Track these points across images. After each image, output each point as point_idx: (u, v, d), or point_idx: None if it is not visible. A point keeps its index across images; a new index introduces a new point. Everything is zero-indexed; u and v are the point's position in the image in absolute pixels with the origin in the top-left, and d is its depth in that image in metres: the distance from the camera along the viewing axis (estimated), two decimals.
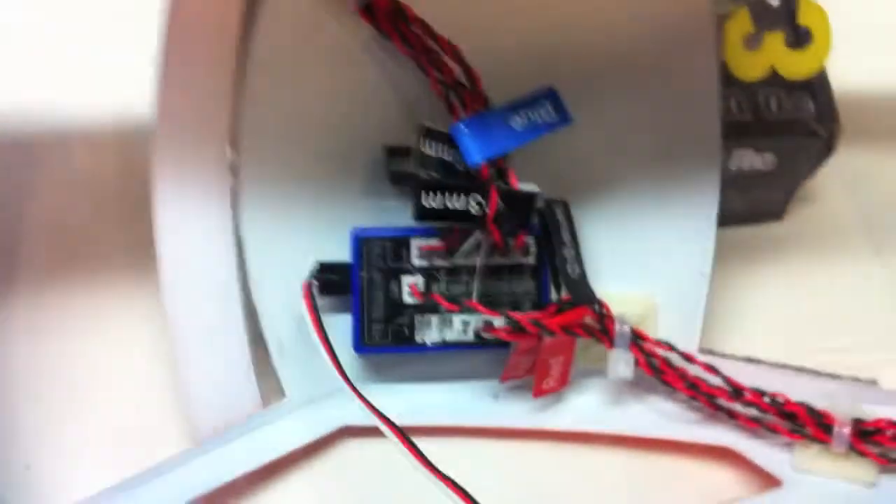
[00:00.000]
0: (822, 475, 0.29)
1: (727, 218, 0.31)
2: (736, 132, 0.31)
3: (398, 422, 0.26)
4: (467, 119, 0.26)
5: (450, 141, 0.26)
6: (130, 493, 0.27)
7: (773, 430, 0.28)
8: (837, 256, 0.34)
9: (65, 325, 0.30)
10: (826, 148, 0.32)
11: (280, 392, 0.29)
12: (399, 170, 0.28)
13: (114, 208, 0.31)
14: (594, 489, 0.29)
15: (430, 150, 0.26)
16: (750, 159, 0.31)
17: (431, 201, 0.26)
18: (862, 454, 0.28)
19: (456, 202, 0.26)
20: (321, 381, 0.28)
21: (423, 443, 0.25)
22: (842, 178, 0.35)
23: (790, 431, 0.28)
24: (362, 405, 0.25)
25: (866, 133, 0.34)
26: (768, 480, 0.29)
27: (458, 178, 0.26)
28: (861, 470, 0.28)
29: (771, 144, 0.31)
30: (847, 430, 0.27)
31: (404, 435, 0.25)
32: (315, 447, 0.29)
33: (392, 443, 0.26)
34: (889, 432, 0.27)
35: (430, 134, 0.26)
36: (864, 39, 0.33)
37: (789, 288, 0.33)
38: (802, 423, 0.28)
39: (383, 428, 0.25)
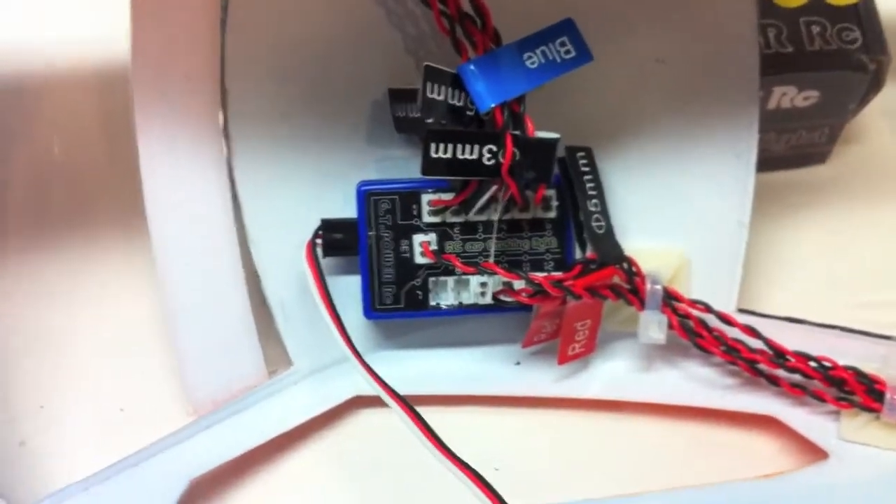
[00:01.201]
0: (872, 446, 0.27)
1: (766, 162, 0.29)
2: (775, 66, 0.28)
3: (412, 391, 0.24)
4: (477, 58, 0.23)
5: (459, 83, 0.24)
6: (128, 472, 0.25)
7: (819, 397, 0.26)
8: (886, 202, 0.31)
9: (53, 290, 0.28)
10: (875, 82, 0.29)
11: (286, 361, 0.27)
12: (404, 115, 0.25)
13: (100, 159, 0.29)
14: (624, 461, 0.26)
15: (437, 94, 0.23)
16: (791, 97, 0.29)
17: (441, 152, 0.23)
18: None
19: (468, 152, 0.24)
20: (330, 347, 0.25)
21: (437, 413, 0.23)
22: (891, 116, 0.32)
23: (837, 399, 0.26)
24: (366, 374, 0.24)
25: None
26: (814, 451, 0.27)
27: (469, 125, 0.24)
28: None
29: (814, 79, 0.29)
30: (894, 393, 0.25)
31: (410, 407, 0.23)
32: (325, 419, 0.27)
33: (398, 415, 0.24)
34: None
35: (435, 76, 0.23)
36: None
37: (834, 237, 0.31)
38: (851, 390, 0.26)
39: (386, 398, 0.23)
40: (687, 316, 0.26)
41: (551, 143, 0.24)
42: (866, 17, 0.29)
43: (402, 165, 0.26)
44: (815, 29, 0.29)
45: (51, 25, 0.31)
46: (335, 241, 0.26)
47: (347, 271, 0.26)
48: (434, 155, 0.23)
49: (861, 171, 0.32)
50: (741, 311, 0.28)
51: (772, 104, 0.29)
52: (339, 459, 0.27)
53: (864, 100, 0.30)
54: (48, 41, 0.31)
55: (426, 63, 0.24)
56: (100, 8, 0.29)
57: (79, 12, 0.31)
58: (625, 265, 0.26)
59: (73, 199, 0.29)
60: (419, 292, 0.26)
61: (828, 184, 0.32)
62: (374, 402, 0.27)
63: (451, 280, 0.26)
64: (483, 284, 0.26)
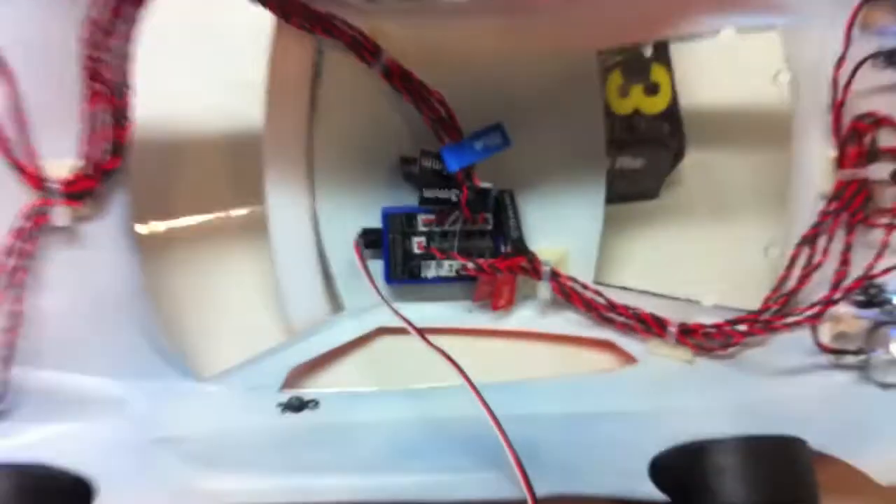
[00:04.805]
0: (661, 356, 0.45)
1: (617, 198, 0.48)
2: (617, 146, 0.48)
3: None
4: (448, 144, 0.44)
5: (439, 157, 0.44)
6: (249, 367, 0.44)
7: (634, 330, 0.44)
8: (692, 225, 0.50)
9: (205, 258, 0.48)
10: (677, 154, 0.49)
11: (341, 307, 0.46)
12: (409, 172, 0.45)
13: (234, 188, 0.49)
14: (529, 364, 0.45)
15: (427, 163, 0.44)
16: (628, 162, 0.48)
17: (429, 193, 0.44)
18: (684, 344, 0.44)
19: (443, 193, 0.44)
20: (365, 300, 0.45)
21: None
22: (697, 169, 0.50)
23: (644, 331, 0.44)
24: (393, 313, 0.43)
25: (711, 139, 0.50)
26: (631, 359, 0.45)
27: (444, 179, 0.44)
28: (683, 353, 0.44)
29: (640, 153, 0.48)
30: (675, 330, 0.44)
31: (418, 330, 0.42)
32: (362, 340, 0.46)
33: (412, 334, 0.42)
34: (700, 331, 0.43)
35: (426, 154, 0.44)
36: (706, 78, 0.50)
37: (658, 245, 0.50)
38: (651, 326, 0.44)
39: (407, 326, 0.42)
40: (564, 285, 0.45)
41: (488, 189, 0.45)
42: (671, 116, 0.48)
43: (408, 199, 0.45)
44: (641, 124, 0.48)
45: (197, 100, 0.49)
46: (370, 240, 0.45)
47: (376, 257, 0.45)
48: (426, 195, 0.44)
49: (678, 204, 0.51)
50: (596, 282, 0.46)
51: (618, 166, 0.48)
52: (368, 361, 0.46)
53: (674, 164, 0.49)
54: (195, 113, 0.49)
55: (421, 148, 0.44)
56: (230, 93, 0.48)
57: (215, 94, 0.49)
58: (529, 256, 0.45)
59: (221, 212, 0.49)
60: (415, 269, 0.45)
61: (657, 212, 0.50)
62: (390, 331, 0.45)
63: (433, 263, 0.45)
64: (450, 266, 0.45)
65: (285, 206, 0.45)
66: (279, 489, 0.41)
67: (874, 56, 0.42)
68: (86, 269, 0.41)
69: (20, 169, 0.39)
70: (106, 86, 0.39)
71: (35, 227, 0.40)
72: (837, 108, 0.43)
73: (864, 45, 0.42)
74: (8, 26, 0.39)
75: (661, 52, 0.48)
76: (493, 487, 0.40)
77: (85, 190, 0.40)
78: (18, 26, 0.39)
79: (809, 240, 0.44)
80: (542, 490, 0.38)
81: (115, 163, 0.40)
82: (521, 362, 0.46)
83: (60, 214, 0.40)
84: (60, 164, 0.40)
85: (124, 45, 0.40)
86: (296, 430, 0.43)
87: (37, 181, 0.39)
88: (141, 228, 0.47)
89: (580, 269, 0.46)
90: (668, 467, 0.41)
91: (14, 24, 0.38)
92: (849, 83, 0.42)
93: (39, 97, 0.39)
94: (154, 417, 0.42)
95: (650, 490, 0.41)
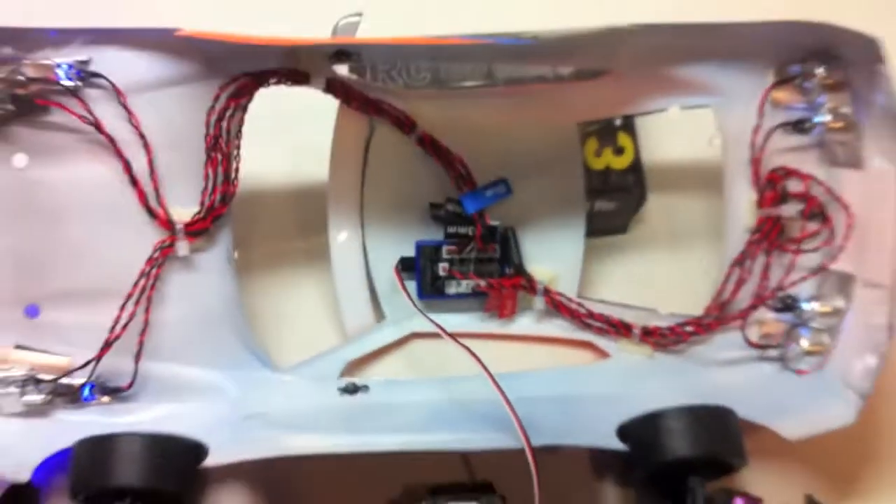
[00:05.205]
0: (628, 352, 0.53)
1: (594, 233, 0.56)
2: (594, 193, 0.56)
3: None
4: (466, 193, 0.53)
5: (459, 202, 0.53)
6: (315, 361, 0.54)
7: (608, 332, 0.53)
8: (653, 252, 0.59)
9: (281, 280, 0.59)
10: (640, 199, 0.58)
11: (384, 316, 0.55)
12: (437, 214, 0.54)
13: (303, 230, 0.59)
14: (527, 360, 0.54)
15: (451, 207, 0.54)
16: (603, 205, 0.57)
17: (451, 230, 0.54)
18: (645, 342, 0.53)
19: (462, 230, 0.54)
20: (402, 311, 0.54)
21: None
22: (657, 210, 0.59)
23: (615, 333, 0.53)
24: (427, 320, 0.51)
25: (667, 187, 0.59)
26: (605, 355, 0.54)
27: (463, 219, 0.54)
28: (645, 350, 0.53)
29: (612, 198, 0.57)
30: (638, 332, 0.52)
31: (448, 333, 0.50)
32: (399, 342, 0.54)
33: (437, 338, 0.51)
34: (658, 332, 0.53)
35: (450, 200, 0.54)
36: (662, 142, 0.60)
37: (627, 268, 0.59)
38: (620, 329, 0.53)
39: (439, 330, 0.50)
40: (554, 298, 0.54)
41: (496, 227, 0.55)
42: (635, 171, 0.57)
43: (435, 235, 0.54)
44: (612, 177, 0.57)
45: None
46: (406, 265, 0.54)
47: (410, 279, 0.54)
48: (449, 231, 0.54)
49: (643, 238, 0.59)
50: (579, 297, 0.54)
51: (594, 209, 0.57)
52: (404, 357, 0.55)
53: (637, 206, 0.57)
54: (274, 171, 0.59)
55: (447, 196, 0.54)
56: (300, 156, 0.58)
57: (289, 157, 0.59)
58: (526, 276, 0.54)
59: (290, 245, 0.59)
60: (441, 287, 0.54)
61: (627, 242, 0.59)
62: (422, 335, 0.54)
63: (454, 282, 0.54)
64: (468, 284, 0.54)
65: (343, 240, 0.55)
66: (339, 445, 0.49)
67: (782, 125, 0.52)
68: (197, 287, 0.50)
69: (154, 215, 0.49)
70: (221, 154, 0.49)
71: (162, 257, 0.49)
72: (756, 163, 0.52)
73: (775, 117, 0.52)
74: (157, 111, 0.48)
75: (628, 123, 0.57)
76: (499, 442, 0.48)
77: (201, 229, 0.49)
78: (163, 111, 0.48)
79: (738, 262, 0.53)
80: (536, 442, 0.46)
81: (223, 210, 0.50)
82: (522, 358, 0.55)
83: (182, 248, 0.49)
84: (184, 210, 0.49)
85: (236, 124, 0.50)
86: (351, 407, 0.52)
87: (166, 223, 0.48)
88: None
89: (566, 287, 0.55)
90: (631, 430, 0.49)
91: (161, 109, 0.48)
92: (763, 145, 0.52)
93: (173, 161, 0.48)
94: (245, 399, 0.51)
95: (617, 444, 0.49)
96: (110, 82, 0.47)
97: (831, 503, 0.52)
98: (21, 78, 0.47)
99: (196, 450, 0.48)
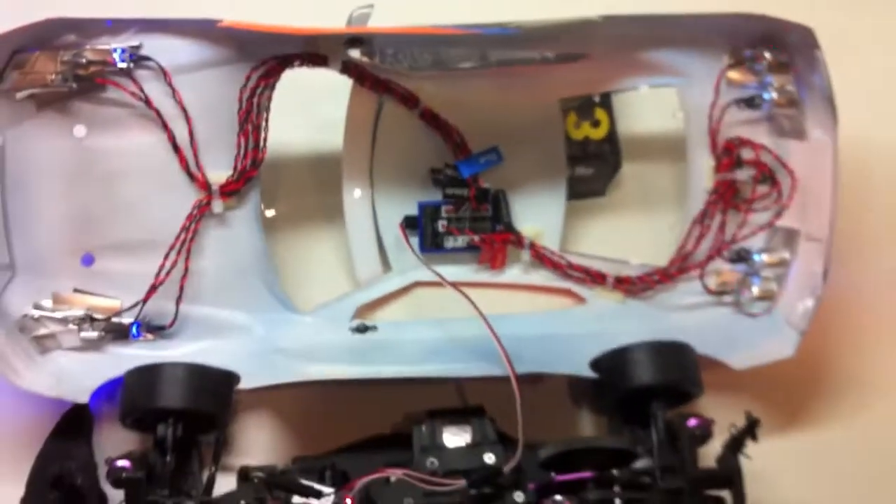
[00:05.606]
0: (602, 298, 0.60)
1: (575, 195, 0.62)
2: (573, 160, 0.62)
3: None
4: (462, 160, 0.60)
5: (456, 168, 0.60)
6: (331, 305, 0.61)
7: (585, 282, 0.60)
8: (627, 212, 0.65)
9: (303, 234, 0.65)
10: (615, 166, 0.63)
11: (390, 268, 0.61)
12: (436, 178, 0.61)
13: (321, 191, 0.65)
14: (516, 304, 0.61)
15: (449, 172, 0.61)
16: (582, 171, 0.63)
17: (449, 191, 0.61)
18: (618, 290, 0.60)
19: (459, 191, 0.61)
20: (406, 263, 0.60)
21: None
22: (630, 175, 0.64)
23: (591, 282, 0.60)
24: (428, 270, 0.58)
25: (639, 155, 0.64)
26: (583, 301, 0.60)
27: (459, 182, 0.61)
28: (617, 296, 0.60)
29: (590, 165, 0.63)
30: (612, 280, 0.59)
31: (449, 282, 0.56)
32: (402, 291, 0.61)
33: (437, 286, 0.59)
34: (629, 281, 0.59)
35: (448, 166, 0.61)
36: (635, 115, 0.65)
37: (603, 226, 0.64)
38: (596, 278, 0.60)
39: (439, 278, 0.57)
40: (538, 252, 0.61)
41: (488, 189, 0.63)
42: (612, 140, 0.64)
43: (435, 195, 0.61)
44: (590, 146, 0.63)
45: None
46: (410, 223, 0.60)
47: (413, 234, 0.60)
48: (447, 192, 0.62)
49: (619, 200, 0.64)
50: (561, 251, 0.61)
51: (575, 173, 0.62)
52: (408, 302, 0.62)
53: (613, 172, 0.63)
54: (295, 140, 0.64)
55: (445, 162, 0.63)
56: (319, 129, 0.64)
57: (310, 129, 0.64)
58: (515, 233, 0.61)
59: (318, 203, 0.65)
60: (440, 241, 0.61)
61: (604, 205, 0.64)
62: (424, 284, 0.61)
63: (451, 237, 0.61)
64: (463, 239, 0.61)
65: (355, 200, 0.62)
66: (349, 371, 0.56)
67: (736, 101, 0.59)
68: (230, 240, 0.57)
69: (193, 178, 0.56)
70: (252, 126, 0.56)
71: (200, 214, 0.56)
72: (714, 134, 0.59)
73: (729, 95, 0.59)
74: (197, 89, 0.55)
75: (604, 99, 0.63)
76: (488, 370, 0.53)
77: (233, 190, 0.56)
78: (202, 89, 0.55)
79: (699, 220, 0.60)
80: (520, 370, 0.52)
81: (253, 173, 0.57)
82: (511, 303, 0.62)
83: (217, 206, 0.56)
84: (219, 173, 0.56)
85: (265, 100, 0.57)
86: (361, 343, 0.59)
87: (204, 185, 0.56)
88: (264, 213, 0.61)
89: (550, 242, 0.62)
90: (602, 362, 0.55)
91: (200, 87, 0.55)
92: (720, 118, 0.59)
93: (210, 132, 0.55)
94: (270, 336, 0.58)
95: (590, 373, 0.55)
96: (158, 64, 0.55)
97: (775, 427, 0.60)
98: (82, 60, 0.56)
99: (228, 377, 0.54)
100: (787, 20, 0.53)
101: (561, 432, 0.57)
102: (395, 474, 0.49)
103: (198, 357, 0.55)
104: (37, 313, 0.56)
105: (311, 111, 0.64)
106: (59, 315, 0.56)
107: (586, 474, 0.50)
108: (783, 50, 0.57)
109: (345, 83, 0.60)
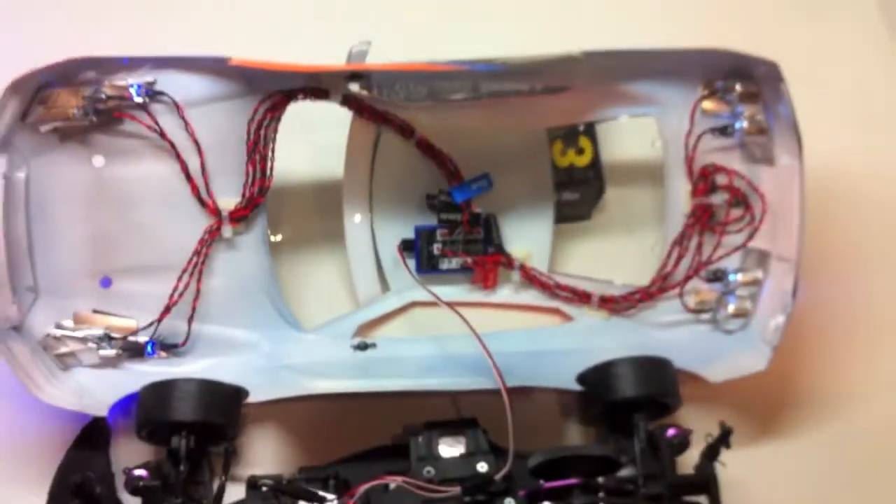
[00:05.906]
0: (588, 316, 0.62)
1: (561, 219, 0.64)
2: (560, 186, 0.64)
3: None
4: (455, 186, 0.62)
5: (449, 194, 0.62)
6: (333, 323, 0.64)
7: (572, 300, 0.62)
8: (611, 235, 0.67)
9: (305, 256, 0.67)
10: (599, 191, 0.65)
11: (388, 288, 0.63)
12: (432, 203, 0.62)
13: (323, 216, 0.67)
14: (506, 322, 0.62)
15: (443, 197, 0.62)
16: (568, 196, 0.65)
17: (444, 216, 0.63)
18: (603, 308, 0.61)
19: (452, 216, 0.63)
20: (404, 283, 0.62)
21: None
22: (614, 200, 0.66)
23: (578, 301, 0.62)
24: (426, 290, 0.59)
25: (622, 181, 0.67)
26: (570, 319, 0.62)
27: (453, 207, 0.62)
28: (602, 314, 0.61)
29: (575, 190, 0.65)
30: (597, 299, 0.61)
31: (444, 301, 0.58)
32: (400, 310, 0.63)
33: (433, 306, 0.60)
34: (613, 300, 0.61)
35: (442, 192, 0.62)
36: (617, 143, 0.68)
37: (589, 248, 0.67)
38: (582, 297, 0.62)
39: (436, 299, 0.59)
40: (528, 273, 0.62)
41: (479, 214, 0.65)
42: (595, 167, 0.65)
43: (430, 219, 0.62)
44: (576, 172, 0.66)
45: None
46: (407, 245, 0.62)
47: (409, 256, 0.62)
48: (441, 217, 0.63)
49: (604, 224, 0.66)
50: (549, 272, 0.62)
51: (561, 198, 0.64)
52: (405, 321, 0.63)
53: (597, 196, 0.65)
54: (297, 166, 0.67)
55: (439, 188, 0.66)
56: (321, 155, 0.66)
57: (311, 156, 0.66)
58: (505, 254, 0.63)
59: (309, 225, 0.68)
60: (435, 263, 0.62)
61: (589, 228, 0.66)
62: (421, 304, 0.62)
63: (446, 259, 0.62)
64: (457, 261, 0.62)
65: (355, 224, 0.63)
66: (351, 386, 0.58)
67: (710, 130, 0.61)
68: (238, 263, 0.59)
69: (205, 204, 0.58)
70: (259, 155, 0.59)
71: (210, 238, 0.58)
72: (690, 161, 0.61)
73: (704, 123, 0.61)
74: (208, 121, 0.57)
75: (588, 128, 0.65)
76: (480, 384, 0.55)
77: (242, 216, 0.59)
78: (213, 121, 0.57)
79: (678, 241, 0.62)
80: (510, 384, 0.54)
81: (260, 200, 0.59)
82: (502, 321, 0.64)
83: (227, 231, 0.58)
84: (228, 200, 0.58)
85: (271, 131, 0.59)
86: (362, 360, 0.61)
87: (214, 211, 0.58)
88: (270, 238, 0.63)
89: (538, 263, 0.64)
90: (588, 376, 0.57)
91: (211, 120, 0.57)
92: (695, 146, 0.61)
93: (220, 161, 0.58)
94: (276, 353, 0.60)
95: (576, 387, 0.57)
96: (172, 99, 0.57)
97: (748, 436, 0.63)
98: (101, 96, 0.59)
99: (237, 392, 0.56)
100: (754, 55, 0.56)
101: (549, 442, 0.58)
102: (393, 482, 0.51)
103: (208, 373, 0.57)
104: (58, 332, 0.58)
105: (314, 141, 0.66)
106: (79, 334, 0.59)
107: (573, 481, 0.51)
108: (752, 82, 0.59)
109: (345, 115, 0.62)
